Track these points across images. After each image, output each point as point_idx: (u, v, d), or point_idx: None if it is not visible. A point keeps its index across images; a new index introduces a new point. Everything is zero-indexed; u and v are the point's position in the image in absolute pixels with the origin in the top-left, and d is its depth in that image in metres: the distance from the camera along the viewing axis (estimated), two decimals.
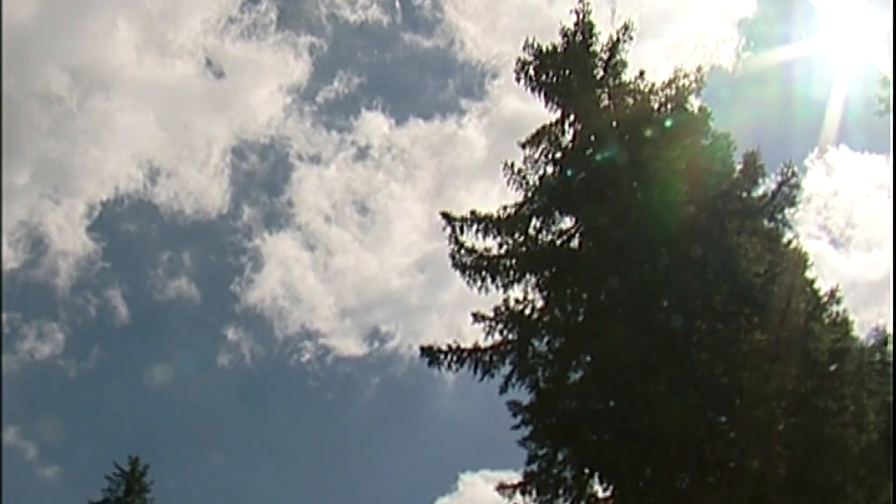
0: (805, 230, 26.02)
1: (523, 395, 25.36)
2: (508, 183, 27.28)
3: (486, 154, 67.46)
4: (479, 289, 26.26)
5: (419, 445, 64.05)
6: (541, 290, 26.12)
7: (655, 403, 22.86)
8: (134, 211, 65.87)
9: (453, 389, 60.57)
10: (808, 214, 25.55)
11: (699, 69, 27.28)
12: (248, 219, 69.59)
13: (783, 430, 22.95)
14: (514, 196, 27.26)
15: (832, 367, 23.86)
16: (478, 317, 25.83)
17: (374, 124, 70.87)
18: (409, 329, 66.72)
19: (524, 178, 27.21)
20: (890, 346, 25.83)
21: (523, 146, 27.58)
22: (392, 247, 73.84)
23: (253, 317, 65.54)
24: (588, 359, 25.35)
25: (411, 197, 72.71)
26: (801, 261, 25.73)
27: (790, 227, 26.13)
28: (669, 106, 27.09)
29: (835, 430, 23.07)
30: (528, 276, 26.23)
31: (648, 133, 26.44)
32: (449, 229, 26.53)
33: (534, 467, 24.60)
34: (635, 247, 24.68)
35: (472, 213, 26.68)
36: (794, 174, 25.96)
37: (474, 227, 26.53)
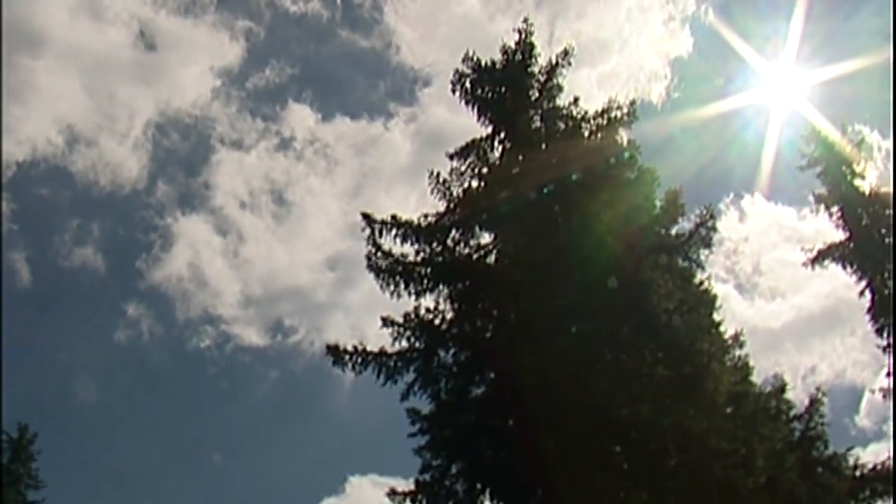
0: (713, 272, 26.46)
1: (424, 405, 25.29)
2: (432, 192, 27.27)
3: (409, 160, 68.18)
4: (392, 294, 26.13)
5: (311, 443, 63.74)
6: (452, 302, 26.07)
7: (553, 427, 22.94)
8: (49, 175, 64.93)
9: (350, 391, 60.50)
10: (717, 257, 26.01)
11: (632, 103, 27.53)
12: (163, 196, 68.96)
13: (674, 465, 23.14)
14: (436, 205, 27.26)
15: (728, 409, 24.17)
16: (387, 321, 25.67)
17: (301, 116, 70.91)
18: (312, 325, 66.74)
19: (448, 188, 27.18)
20: (787, 394, 26.33)
21: (451, 157, 27.58)
22: (305, 241, 73.64)
23: (156, 295, 64.92)
24: (492, 375, 25.35)
25: (329, 193, 72.70)
26: (709, 302, 26.16)
27: (702, 268, 26.60)
28: (600, 135, 27.24)
29: (725, 470, 23.34)
30: (441, 286, 26.17)
31: (576, 160, 26.58)
32: (368, 231, 26.35)
33: (426, 477, 24.46)
34: (551, 271, 24.72)
35: (394, 217, 26.54)
36: (712, 217, 26.47)
37: (394, 231, 26.40)
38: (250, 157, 70.78)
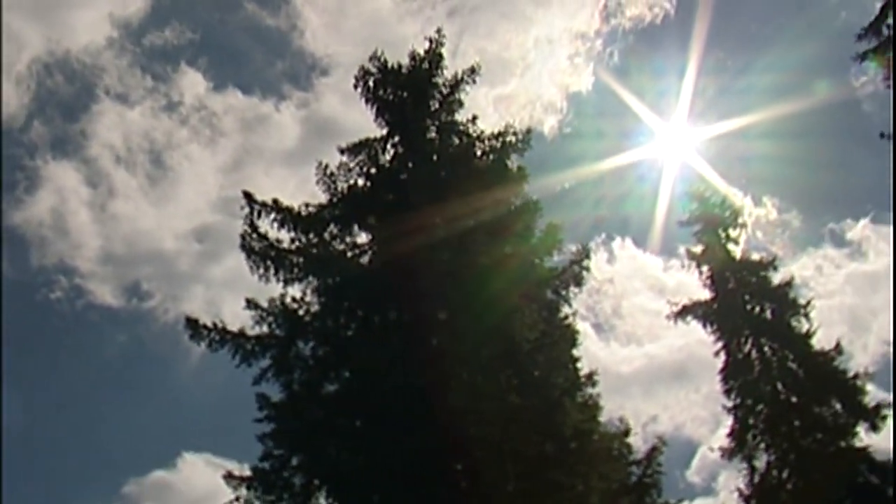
0: (574, 307, 26.82)
1: (275, 393, 24.91)
2: (317, 182, 26.98)
3: (295, 144, 67.43)
4: (261, 277, 25.71)
5: (149, 412, 61.99)
6: (319, 296, 25.77)
7: (399, 435, 22.89)
8: None
9: (198, 366, 59.28)
10: (580, 294, 26.37)
11: (528, 131, 27.69)
12: (37, 137, 66.21)
13: (512, 491, 23.33)
14: (317, 196, 27.03)
15: (573, 445, 24.44)
16: (251, 304, 25.27)
17: (192, 82, 68.83)
18: (170, 293, 65.26)
19: (334, 182, 26.94)
20: (630, 439, 26.75)
21: (342, 151, 27.34)
22: (176, 207, 71.78)
23: (12, 237, 62.29)
24: (347, 374, 25.18)
25: (209, 163, 71.08)
26: (571, 338, 26.43)
27: (569, 304, 26.88)
28: (491, 157, 27.40)
29: None
30: (311, 277, 25.84)
31: (465, 177, 26.66)
32: (248, 210, 25.86)
33: (266, 465, 24.10)
34: (423, 281, 24.75)
35: (275, 201, 26.14)
36: (587, 256, 26.84)
37: (273, 215, 26.00)
38: (134, 112, 68.75)
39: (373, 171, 27.27)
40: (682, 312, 34.84)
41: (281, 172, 66.52)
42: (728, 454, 32.93)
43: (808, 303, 34.06)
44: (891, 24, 27.22)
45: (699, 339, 36.49)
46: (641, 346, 60.46)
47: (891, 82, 27.94)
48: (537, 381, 24.59)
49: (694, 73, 39.12)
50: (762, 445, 32.63)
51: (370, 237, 26.84)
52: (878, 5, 26.95)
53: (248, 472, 24.15)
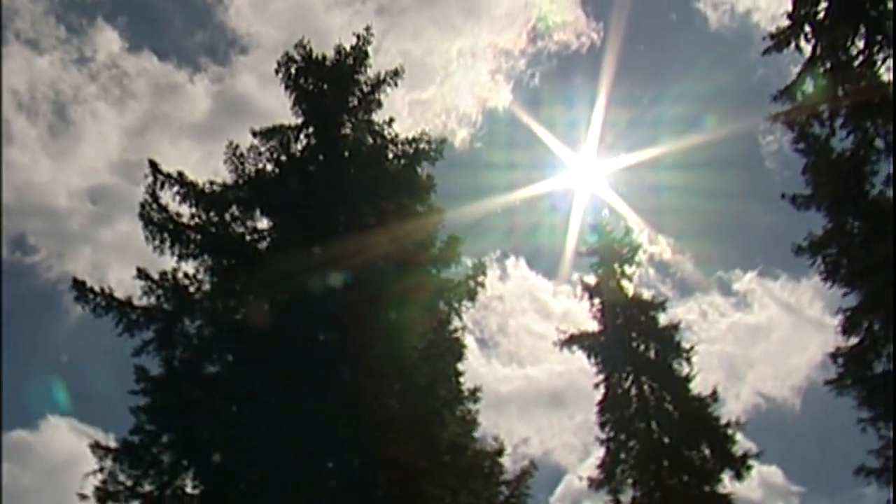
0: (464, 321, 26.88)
1: (154, 366, 24.43)
2: (225, 161, 26.59)
3: (204, 119, 66.17)
4: (156, 249, 25.22)
5: (17, 372, 60.08)
6: (213, 276, 25.44)
7: (273, 427, 22.69)
8: None
9: (76, 329, 57.80)
10: (470, 308, 26.49)
11: (443, 141, 27.74)
12: None
13: (381, 496, 23.22)
14: (224, 175, 26.69)
15: (447, 458, 24.44)
16: (142, 274, 24.75)
17: (108, 39, 67.01)
18: (56, 251, 63.65)
19: (242, 164, 26.59)
20: (502, 458, 26.79)
21: (254, 134, 26.98)
22: (74, 163, 69.80)
23: None
24: (230, 358, 24.84)
25: (114, 124, 69.39)
26: (458, 351, 26.45)
27: (460, 318, 26.88)
28: (402, 162, 27.36)
29: None
30: (206, 256, 25.47)
31: (374, 178, 26.58)
32: (151, 179, 25.41)
33: (135, 439, 23.61)
34: (318, 273, 24.55)
35: (180, 174, 25.63)
36: (483, 272, 26.86)
37: (176, 188, 25.59)
38: (43, 61, 66.70)
39: (283, 158, 27.00)
40: (569, 341, 35.14)
41: (186, 144, 65.43)
42: (596, 485, 33.27)
43: (692, 348, 34.65)
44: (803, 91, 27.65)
45: (580, 368, 36.86)
46: (522, 367, 60.99)
47: (800, 146, 28.54)
48: (421, 390, 24.49)
49: (604, 102, 39.41)
50: (629, 480, 33.09)
51: (271, 224, 26.56)
52: (795, 69, 27.43)
53: (115, 444, 23.66)
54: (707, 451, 33.08)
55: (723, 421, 33.57)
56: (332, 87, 27.71)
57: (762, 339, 62.83)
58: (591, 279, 36.32)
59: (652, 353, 34.78)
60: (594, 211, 38.33)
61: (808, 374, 57.23)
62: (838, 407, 27.24)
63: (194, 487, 23.60)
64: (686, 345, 34.89)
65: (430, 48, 68.28)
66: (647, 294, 36.29)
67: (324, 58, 27.82)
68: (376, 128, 27.79)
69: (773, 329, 62.56)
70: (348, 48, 27.84)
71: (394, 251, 25.67)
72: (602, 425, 33.73)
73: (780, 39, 27.43)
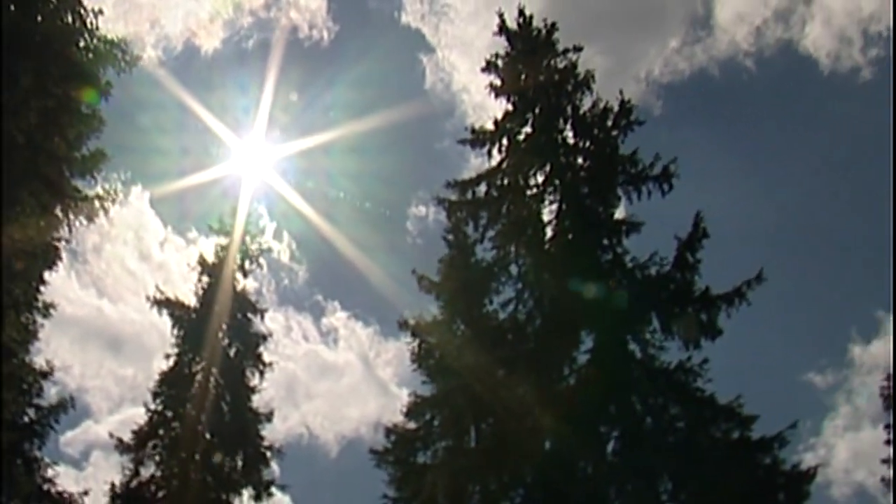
0: None
1: None
2: None
3: None
4: None
5: None
6: None
7: None
8: None
9: None
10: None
11: (137, 58, 27.06)
12: None
13: None
14: None
15: None
16: None
17: None
18: None
19: None
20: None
21: None
22: None
23: None
24: None
25: None
26: (52, 259, 25.49)
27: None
28: (89, 55, 26.08)
29: None
30: None
31: (55, 54, 25.25)
32: None
33: None
34: None
35: None
36: (114, 201, 26.26)
37: None
38: None
39: None
40: (162, 303, 33.80)
41: None
42: (123, 448, 31.57)
43: (271, 364, 34.23)
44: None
45: (154, 327, 35.66)
46: (100, 298, 58.35)
47: (449, 237, 29.16)
48: None
49: (271, 90, 38.64)
50: (157, 459, 31.93)
51: None
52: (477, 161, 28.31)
53: None
54: (240, 463, 32.72)
55: (266, 442, 33.32)
56: None
57: (332, 377, 63.27)
58: (211, 257, 35.36)
59: (232, 352, 34.18)
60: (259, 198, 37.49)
61: (357, 427, 58.30)
62: (371, 474, 27.32)
63: None
64: (267, 359, 34.54)
65: None
66: (253, 293, 35.61)
67: None
68: (81, 11, 26.09)
69: (346, 373, 63.03)
70: None
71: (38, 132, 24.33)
72: (155, 395, 32.61)
73: (478, 139, 28.70)
